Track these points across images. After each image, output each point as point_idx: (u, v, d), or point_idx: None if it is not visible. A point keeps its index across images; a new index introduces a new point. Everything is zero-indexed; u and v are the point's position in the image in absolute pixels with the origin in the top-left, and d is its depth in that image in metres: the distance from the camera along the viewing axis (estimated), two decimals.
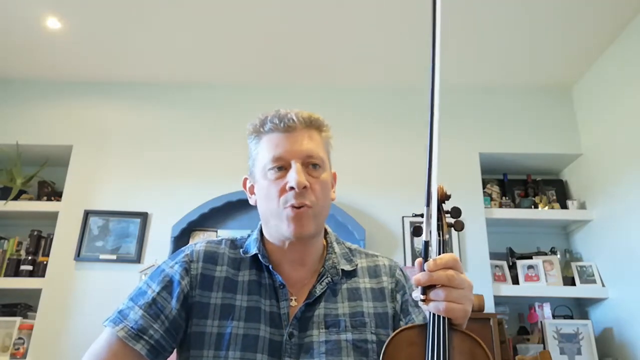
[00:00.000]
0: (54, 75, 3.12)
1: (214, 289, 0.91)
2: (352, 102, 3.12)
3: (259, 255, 0.94)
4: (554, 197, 3.03)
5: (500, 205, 2.97)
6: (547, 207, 2.94)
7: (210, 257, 0.95)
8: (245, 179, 1.02)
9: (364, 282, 0.98)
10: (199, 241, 0.99)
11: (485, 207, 2.87)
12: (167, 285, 0.90)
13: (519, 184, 3.14)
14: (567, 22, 2.55)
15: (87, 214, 2.84)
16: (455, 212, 0.85)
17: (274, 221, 0.91)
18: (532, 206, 2.96)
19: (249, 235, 1.01)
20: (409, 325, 0.79)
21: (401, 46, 2.78)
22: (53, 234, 2.83)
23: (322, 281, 0.93)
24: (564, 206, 2.96)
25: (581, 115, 3.01)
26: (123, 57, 2.94)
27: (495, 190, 3.06)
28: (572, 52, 2.79)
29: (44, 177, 3.08)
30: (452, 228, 0.86)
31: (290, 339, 0.87)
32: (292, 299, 0.92)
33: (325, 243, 1.01)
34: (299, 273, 0.95)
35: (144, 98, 3.14)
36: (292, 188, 0.88)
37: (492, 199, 2.98)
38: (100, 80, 3.14)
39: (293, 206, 0.88)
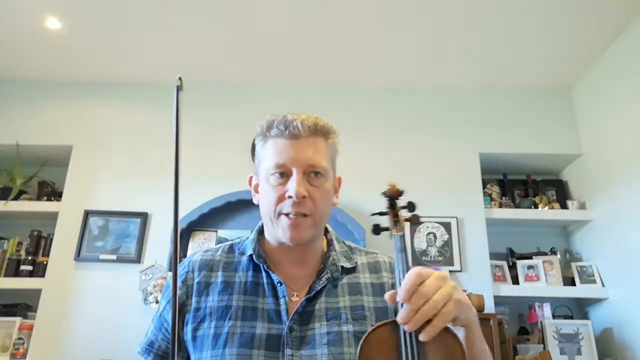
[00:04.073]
0: (54, 75, 3.12)
1: (210, 293, 0.95)
2: (351, 101, 3.12)
3: (254, 256, 0.97)
4: (554, 197, 3.03)
5: (500, 206, 2.97)
6: (547, 207, 2.94)
7: (206, 265, 0.99)
8: (251, 177, 1.04)
9: (364, 277, 0.99)
10: (198, 251, 1.04)
11: (485, 207, 2.87)
12: (170, 300, 0.98)
13: (519, 184, 3.14)
14: (567, 22, 2.55)
15: (87, 214, 2.84)
16: (411, 206, 0.88)
17: (271, 224, 0.94)
18: (532, 206, 2.96)
19: (247, 237, 1.04)
20: (382, 322, 0.80)
21: (401, 46, 2.78)
22: (53, 234, 2.83)
23: (322, 277, 0.95)
24: (564, 206, 2.95)
25: (581, 115, 3.01)
26: (123, 57, 2.94)
27: (495, 190, 3.06)
28: (572, 52, 2.79)
29: (44, 177, 3.08)
30: (409, 222, 0.88)
31: (291, 332, 0.89)
32: (294, 294, 0.94)
33: (325, 241, 1.02)
34: (299, 271, 0.97)
35: (144, 98, 3.14)
36: (290, 197, 0.89)
37: (492, 199, 2.98)
38: (100, 80, 3.14)
39: (289, 215, 0.90)
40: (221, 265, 0.99)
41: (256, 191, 1.01)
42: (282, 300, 0.92)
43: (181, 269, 1.00)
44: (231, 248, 1.03)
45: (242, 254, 1.00)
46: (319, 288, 0.94)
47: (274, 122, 0.94)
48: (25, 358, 2.55)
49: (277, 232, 0.93)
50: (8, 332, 2.63)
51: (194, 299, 0.95)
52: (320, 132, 0.95)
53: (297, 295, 0.94)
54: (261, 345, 0.87)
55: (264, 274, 0.96)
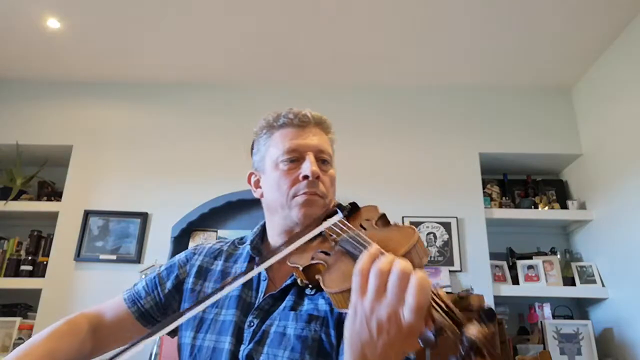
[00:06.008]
0: (54, 75, 3.12)
1: (208, 279, 1.00)
2: (352, 101, 3.11)
3: (250, 247, 1.00)
4: (554, 197, 3.03)
5: (500, 206, 2.97)
6: (547, 207, 2.94)
7: (212, 253, 1.04)
8: (250, 174, 1.05)
9: None
10: (212, 241, 1.10)
11: (485, 207, 2.86)
12: (170, 267, 1.04)
13: (519, 184, 3.14)
14: (567, 22, 2.55)
15: (87, 214, 2.84)
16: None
17: (282, 210, 0.94)
18: (532, 206, 2.96)
19: None
20: None
21: (401, 46, 2.78)
22: (53, 234, 2.83)
23: (292, 277, 0.92)
24: (564, 206, 2.95)
25: (581, 115, 3.01)
26: (123, 57, 2.94)
27: (495, 190, 3.06)
28: (572, 52, 2.78)
29: (44, 177, 3.08)
30: None
31: (250, 326, 0.90)
32: (277, 290, 0.94)
33: None
34: (285, 267, 0.93)
35: (144, 98, 3.14)
36: (305, 177, 0.91)
37: (492, 199, 2.98)
38: (100, 80, 3.14)
39: (305, 193, 0.91)
40: (224, 255, 1.03)
41: (257, 187, 1.02)
42: (260, 295, 0.94)
43: (191, 248, 1.08)
44: (241, 241, 1.07)
45: (242, 243, 1.05)
46: (283, 287, 0.92)
47: (281, 113, 0.99)
48: None
49: (290, 214, 0.92)
50: (8, 332, 2.63)
51: (191, 279, 1.00)
52: (324, 125, 1.02)
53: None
54: (233, 334, 0.89)
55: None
